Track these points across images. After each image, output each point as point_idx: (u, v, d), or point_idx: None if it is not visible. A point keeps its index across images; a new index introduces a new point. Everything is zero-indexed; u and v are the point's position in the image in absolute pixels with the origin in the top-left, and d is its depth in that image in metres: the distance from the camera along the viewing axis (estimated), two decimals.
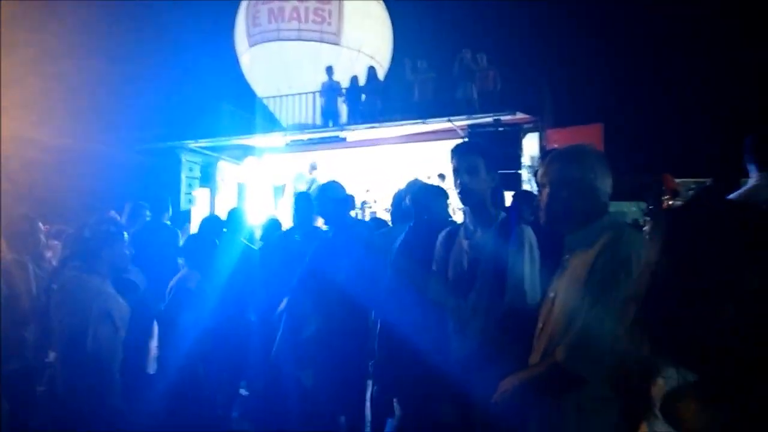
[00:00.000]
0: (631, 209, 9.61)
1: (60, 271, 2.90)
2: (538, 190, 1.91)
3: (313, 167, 10.40)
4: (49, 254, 6.14)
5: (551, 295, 1.86)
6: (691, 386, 0.78)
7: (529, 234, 2.23)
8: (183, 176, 11.92)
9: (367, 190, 10.24)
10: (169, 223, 5.83)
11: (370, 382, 3.80)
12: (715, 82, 13.48)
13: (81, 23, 13.91)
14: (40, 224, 3.77)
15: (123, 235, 2.99)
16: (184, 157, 12.06)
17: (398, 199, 4.41)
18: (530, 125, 10.25)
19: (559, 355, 1.65)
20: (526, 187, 9.11)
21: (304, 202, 4.33)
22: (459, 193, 2.30)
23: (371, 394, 3.75)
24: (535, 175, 9.76)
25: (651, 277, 0.86)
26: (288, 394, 3.79)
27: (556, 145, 9.71)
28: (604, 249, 1.64)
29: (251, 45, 14.16)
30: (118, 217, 6.49)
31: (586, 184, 1.77)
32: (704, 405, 0.77)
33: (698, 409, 0.77)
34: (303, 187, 10.35)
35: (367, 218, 9.44)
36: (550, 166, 1.87)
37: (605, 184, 1.80)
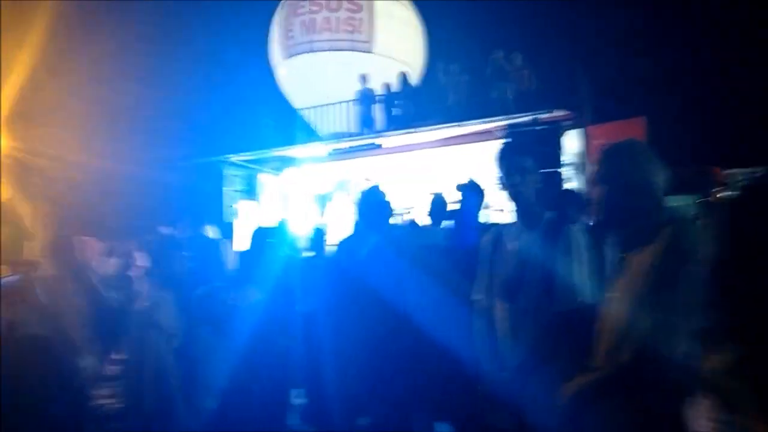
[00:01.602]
0: (678, 203, 9.32)
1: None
2: (591, 188, 1.87)
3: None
4: (101, 270, 6.40)
5: (610, 295, 1.82)
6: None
7: (578, 234, 2.20)
8: (225, 190, 12.18)
9: (407, 195, 10.25)
10: (214, 236, 6.00)
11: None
12: (763, 68, 12.97)
13: (120, 47, 14.43)
14: (86, 240, 3.93)
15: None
16: (226, 171, 12.33)
17: (439, 202, 4.42)
18: (569, 122, 10.07)
19: (625, 356, 1.62)
20: (567, 185, 8.96)
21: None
22: (508, 194, 2.28)
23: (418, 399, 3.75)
24: (577, 172, 9.59)
25: (716, 277, 0.84)
26: (334, 399, 3.84)
27: (598, 142, 9.52)
28: (666, 245, 1.61)
29: (286, 57, 14.38)
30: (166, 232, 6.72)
31: (640, 179, 1.74)
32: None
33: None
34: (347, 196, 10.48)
35: (407, 223, 9.46)
36: (603, 163, 1.84)
37: (660, 178, 1.77)
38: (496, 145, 2.48)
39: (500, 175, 2.29)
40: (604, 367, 1.75)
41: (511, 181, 2.24)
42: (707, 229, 0.95)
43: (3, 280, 1.93)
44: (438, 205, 4.44)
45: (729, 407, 0.81)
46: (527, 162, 2.25)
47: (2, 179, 12.36)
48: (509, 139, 2.32)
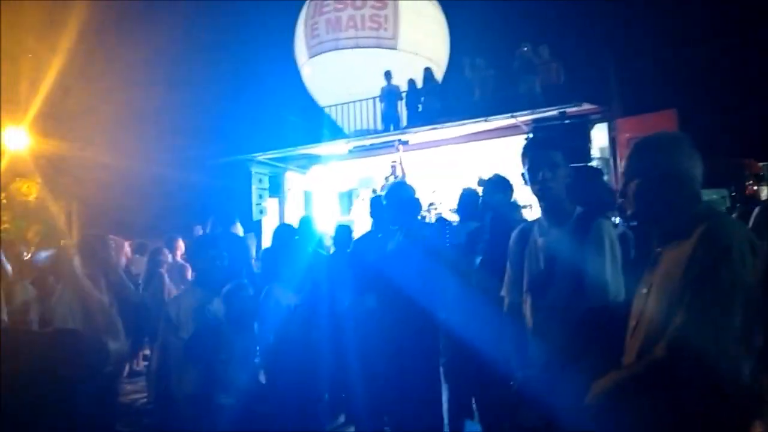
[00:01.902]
0: (712, 197, 9.09)
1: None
2: (624, 182, 1.82)
3: (393, 168, 10.49)
4: (132, 268, 6.52)
5: (644, 290, 1.77)
6: None
7: (609, 228, 2.15)
8: (253, 188, 12.31)
9: (433, 191, 10.20)
10: (242, 233, 6.05)
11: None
12: None
13: (149, 51, 14.69)
14: (113, 241, 4.00)
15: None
16: (253, 169, 12.46)
17: (467, 197, 4.38)
18: (598, 116, 9.90)
19: (659, 353, 1.57)
20: (598, 179, 8.80)
21: (379, 206, 4.38)
22: (536, 190, 2.23)
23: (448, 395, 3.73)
24: (607, 166, 9.41)
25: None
26: (361, 396, 3.84)
27: (627, 135, 9.33)
28: (702, 240, 1.55)
29: (311, 56, 14.47)
30: (201, 232, 6.81)
31: (676, 172, 1.68)
32: None
33: None
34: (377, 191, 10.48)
35: (434, 219, 9.42)
36: (635, 156, 1.79)
37: (696, 171, 1.71)
38: (523, 140, 2.43)
39: (527, 170, 2.25)
40: (636, 364, 1.70)
41: (539, 176, 2.19)
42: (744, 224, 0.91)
43: (39, 254, 1.95)
44: (465, 201, 4.41)
45: None
46: (556, 156, 2.21)
47: (34, 179, 12.72)
48: (536, 134, 2.28)
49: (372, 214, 4.43)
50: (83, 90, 14.36)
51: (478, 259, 3.50)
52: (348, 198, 12.76)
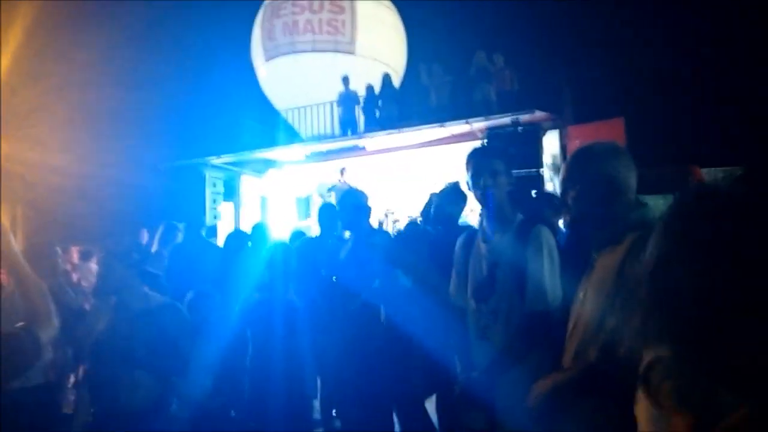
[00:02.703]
0: (658, 203, 9.41)
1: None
2: (562, 190, 1.89)
3: (342, 172, 10.46)
4: (76, 276, 6.31)
5: (581, 295, 1.84)
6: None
7: (547, 234, 2.21)
8: (207, 192, 12.10)
9: (389, 198, 10.26)
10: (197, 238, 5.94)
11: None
12: (739, 67, 13.19)
13: (102, 50, 14.27)
14: (58, 249, 3.88)
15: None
16: (208, 173, 12.25)
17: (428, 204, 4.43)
18: (549, 123, 10.15)
19: (592, 356, 1.63)
20: (548, 185, 9.03)
21: (329, 212, 4.38)
22: (478, 195, 2.29)
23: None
24: (557, 173, 9.67)
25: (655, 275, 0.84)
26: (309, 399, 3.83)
27: (578, 143, 9.60)
28: (632, 247, 1.62)
29: (267, 59, 14.33)
30: (146, 237, 6.64)
31: (609, 181, 1.75)
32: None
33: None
34: (328, 197, 10.45)
35: (390, 225, 9.47)
36: (572, 165, 1.86)
37: (631, 180, 1.78)
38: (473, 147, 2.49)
39: (470, 177, 2.30)
40: (572, 367, 1.76)
41: (480, 182, 2.25)
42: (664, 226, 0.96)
43: None
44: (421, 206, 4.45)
45: (657, 404, 0.83)
46: (497, 164, 2.27)
47: None
48: (479, 142, 2.34)
49: (320, 221, 4.42)
50: (31, 89, 13.84)
51: (429, 264, 3.54)
52: (306, 203, 12.69)
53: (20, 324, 1.86)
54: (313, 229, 8.40)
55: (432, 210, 3.76)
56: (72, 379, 6.21)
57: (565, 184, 1.89)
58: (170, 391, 3.00)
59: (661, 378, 0.81)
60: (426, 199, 4.49)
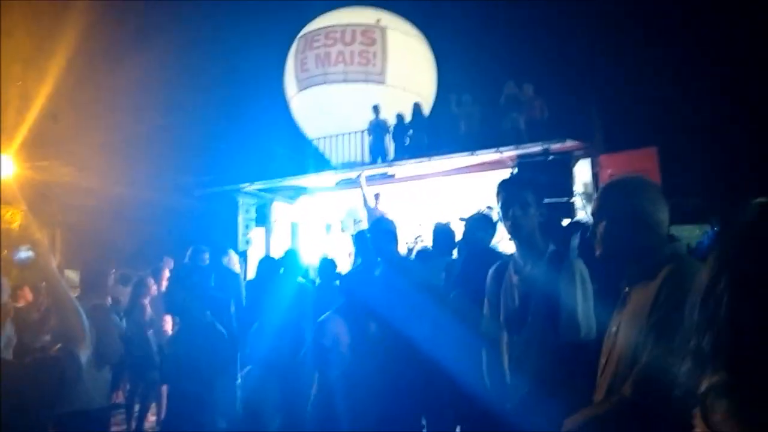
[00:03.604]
0: (694, 232, 9.24)
1: None
2: (594, 222, 1.90)
3: (377, 198, 10.49)
4: (115, 297, 6.45)
5: (613, 329, 1.83)
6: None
7: (581, 267, 2.20)
8: (240, 218, 12.31)
9: (420, 224, 10.26)
10: (237, 264, 6.06)
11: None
12: None
13: (139, 78, 14.82)
14: (113, 273, 3.99)
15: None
16: (241, 200, 12.48)
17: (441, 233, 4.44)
18: (581, 152, 10.09)
19: (626, 391, 1.62)
20: (580, 214, 8.92)
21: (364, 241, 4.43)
22: (508, 227, 2.30)
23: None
24: (589, 202, 9.56)
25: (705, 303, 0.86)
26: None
27: (609, 172, 9.51)
28: (666, 281, 1.62)
29: (300, 90, 14.66)
30: (171, 264, 6.78)
31: (640, 216, 1.75)
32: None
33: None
34: (357, 225, 10.49)
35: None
36: (602, 199, 1.87)
37: (662, 214, 1.78)
38: (504, 176, 2.51)
39: (500, 207, 2.32)
40: (605, 401, 1.74)
41: (509, 213, 2.26)
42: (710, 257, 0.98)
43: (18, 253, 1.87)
44: (446, 235, 4.47)
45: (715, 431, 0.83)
46: (527, 195, 2.28)
47: (19, 207, 12.59)
48: (509, 171, 2.36)
49: (357, 249, 4.47)
50: (72, 116, 14.41)
51: (460, 293, 3.54)
52: (336, 230, 12.78)
53: (58, 345, 1.90)
54: (341, 256, 8.44)
55: (463, 236, 3.78)
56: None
57: (596, 217, 1.90)
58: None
59: (719, 404, 0.81)
60: (440, 229, 4.51)
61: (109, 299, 4.98)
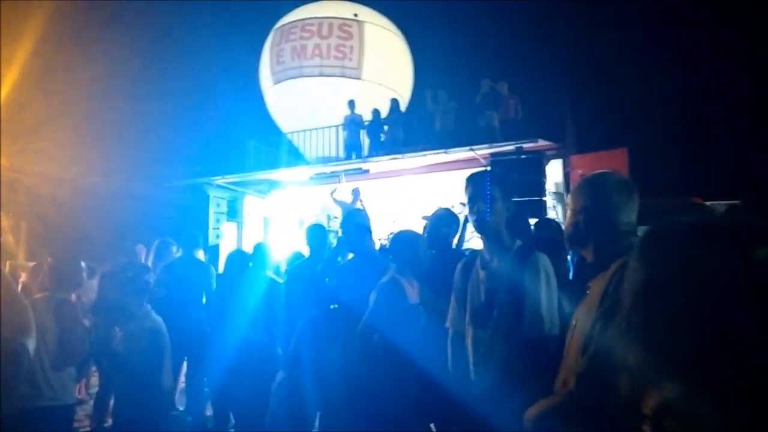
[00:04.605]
0: None
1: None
2: (566, 218, 1.95)
3: (355, 193, 10.43)
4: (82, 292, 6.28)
5: (573, 323, 1.86)
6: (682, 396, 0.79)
7: (545, 262, 2.22)
8: (211, 211, 12.14)
9: (394, 221, 10.26)
10: (202, 258, 5.96)
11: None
12: (745, 100, 13.29)
13: (110, 66, 14.52)
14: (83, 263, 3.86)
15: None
16: (212, 193, 12.31)
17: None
18: (553, 152, 10.21)
19: (570, 383, 1.65)
20: (551, 213, 9.04)
21: (319, 233, 4.41)
22: (474, 222, 2.31)
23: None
24: (562, 201, 9.66)
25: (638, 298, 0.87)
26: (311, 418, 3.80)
27: (580, 172, 9.64)
28: (615, 273, 1.65)
29: (275, 82, 14.52)
30: (144, 252, 6.65)
31: (600, 211, 1.79)
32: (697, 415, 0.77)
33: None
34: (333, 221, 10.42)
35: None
36: (573, 193, 1.92)
37: (624, 211, 1.81)
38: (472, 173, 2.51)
39: (467, 203, 2.33)
40: (557, 394, 1.79)
41: (476, 208, 2.28)
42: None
43: None
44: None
45: None
46: (495, 190, 2.29)
47: None
48: (477, 169, 2.37)
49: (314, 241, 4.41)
50: (39, 104, 14.04)
51: (428, 288, 3.54)
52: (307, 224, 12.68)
53: (9, 336, 1.87)
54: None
55: (426, 233, 3.78)
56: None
57: (570, 212, 1.94)
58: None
59: (669, 416, 0.81)
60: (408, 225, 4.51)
61: (74, 296, 4.87)
